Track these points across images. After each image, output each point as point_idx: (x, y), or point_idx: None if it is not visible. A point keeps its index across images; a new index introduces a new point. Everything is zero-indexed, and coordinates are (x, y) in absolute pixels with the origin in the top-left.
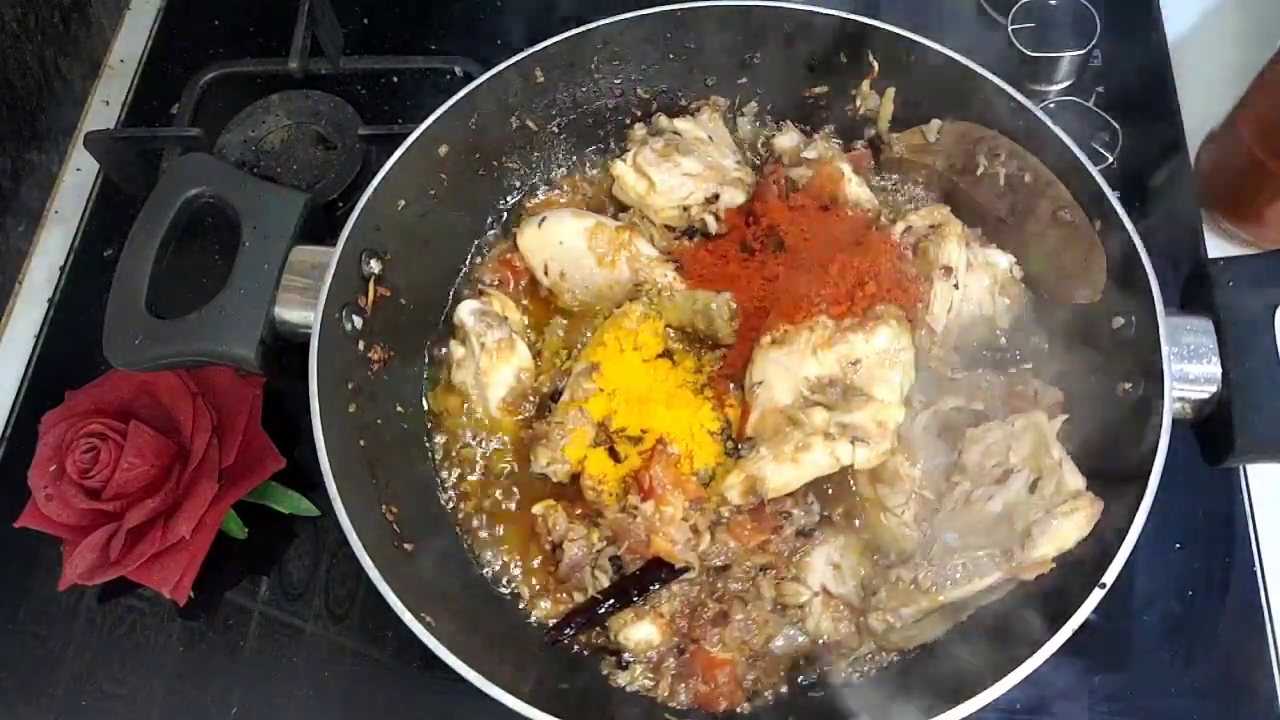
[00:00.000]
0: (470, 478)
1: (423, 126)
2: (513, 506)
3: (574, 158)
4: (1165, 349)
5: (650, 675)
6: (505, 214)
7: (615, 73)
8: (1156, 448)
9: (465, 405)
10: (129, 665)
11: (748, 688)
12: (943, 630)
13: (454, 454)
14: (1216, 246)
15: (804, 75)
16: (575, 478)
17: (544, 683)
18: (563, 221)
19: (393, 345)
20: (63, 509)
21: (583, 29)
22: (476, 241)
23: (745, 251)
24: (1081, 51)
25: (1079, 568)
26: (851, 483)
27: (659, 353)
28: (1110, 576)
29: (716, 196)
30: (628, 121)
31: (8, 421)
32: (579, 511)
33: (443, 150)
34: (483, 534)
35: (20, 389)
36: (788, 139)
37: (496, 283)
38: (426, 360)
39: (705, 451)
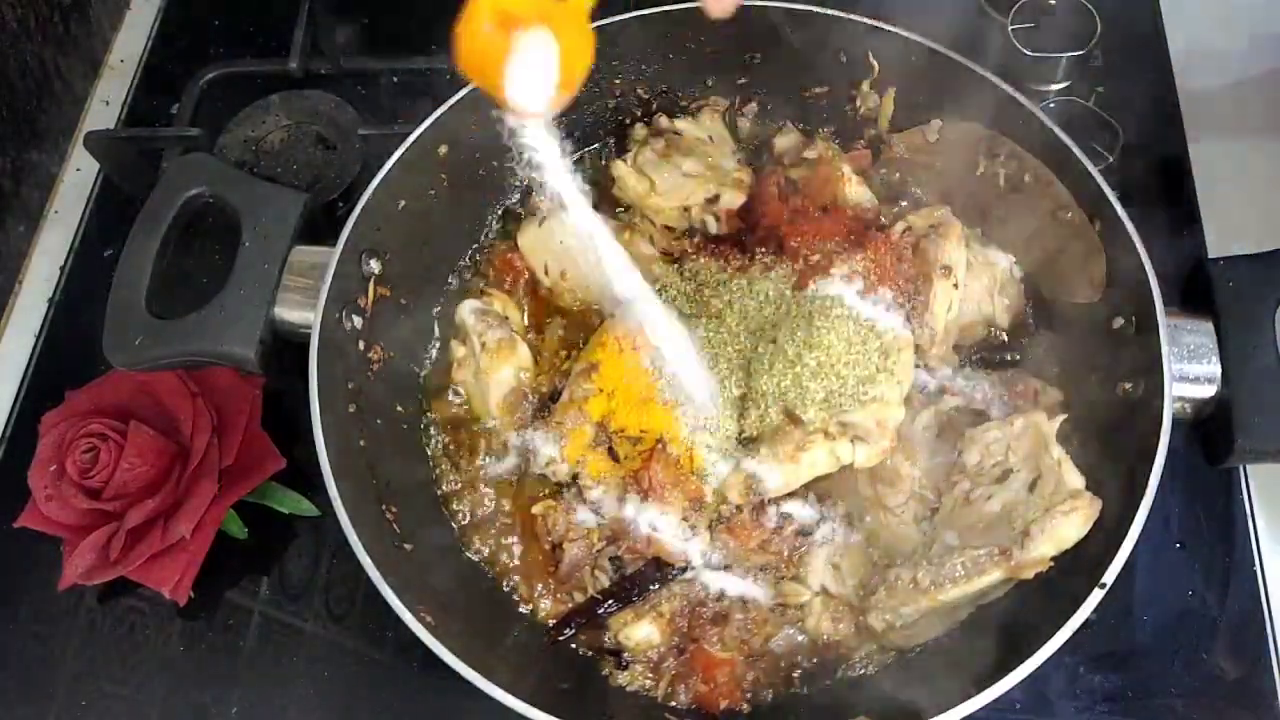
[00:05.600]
0: (470, 477)
1: (423, 126)
2: (513, 507)
3: (574, 158)
4: (1165, 349)
5: (650, 675)
6: (505, 214)
7: (615, 73)
8: (1156, 448)
9: (465, 405)
10: (129, 665)
11: (748, 688)
12: (942, 629)
13: (454, 454)
14: (1216, 246)
15: (804, 75)
16: (575, 477)
17: (544, 683)
18: (563, 221)
19: (393, 345)
20: (63, 509)
21: None
22: (476, 242)
23: (744, 252)
24: (1081, 51)
25: (1079, 567)
26: (852, 482)
27: None
28: (1110, 576)
29: (717, 197)
30: (628, 121)
31: (8, 421)
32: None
33: (443, 150)
34: (482, 534)
35: (20, 389)
36: (788, 139)
37: (494, 282)
38: (426, 360)
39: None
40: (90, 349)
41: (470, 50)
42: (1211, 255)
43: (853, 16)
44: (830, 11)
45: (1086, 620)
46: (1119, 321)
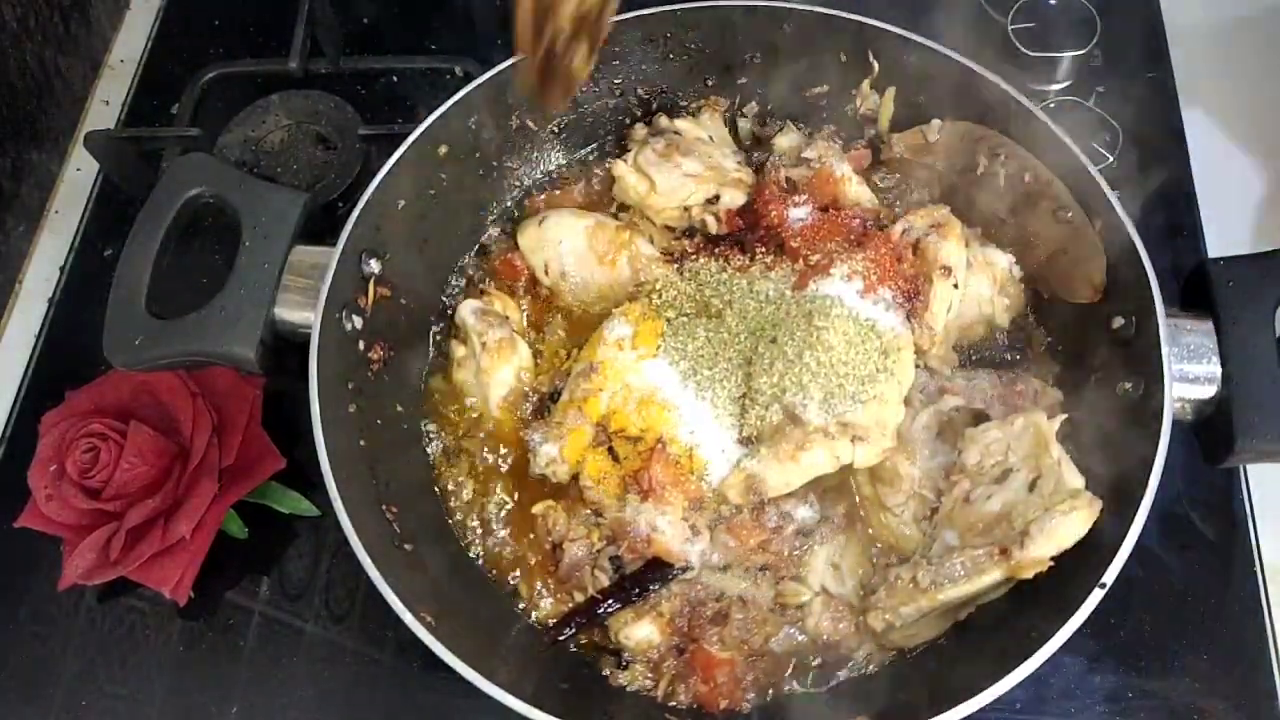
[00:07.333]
0: (470, 477)
1: (423, 126)
2: (513, 506)
3: (574, 158)
4: (1165, 349)
5: (650, 675)
6: (505, 214)
7: (615, 73)
8: (1156, 448)
9: (465, 405)
10: (129, 665)
11: (748, 688)
12: (942, 629)
13: (454, 454)
14: (1216, 246)
15: (804, 75)
16: (575, 478)
17: (544, 683)
18: (563, 221)
19: (392, 345)
20: (63, 509)
21: None
22: (476, 241)
23: (744, 252)
24: (1081, 51)
25: (1079, 567)
26: (852, 482)
27: None
28: (1110, 576)
29: (717, 197)
30: (628, 121)
31: (8, 421)
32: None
33: (443, 150)
34: (482, 534)
35: (20, 389)
36: (788, 139)
37: (494, 282)
38: (426, 360)
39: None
40: (90, 349)
41: None
42: (1211, 255)
43: (852, 16)
44: (830, 11)
45: (1086, 620)
46: (1119, 321)
